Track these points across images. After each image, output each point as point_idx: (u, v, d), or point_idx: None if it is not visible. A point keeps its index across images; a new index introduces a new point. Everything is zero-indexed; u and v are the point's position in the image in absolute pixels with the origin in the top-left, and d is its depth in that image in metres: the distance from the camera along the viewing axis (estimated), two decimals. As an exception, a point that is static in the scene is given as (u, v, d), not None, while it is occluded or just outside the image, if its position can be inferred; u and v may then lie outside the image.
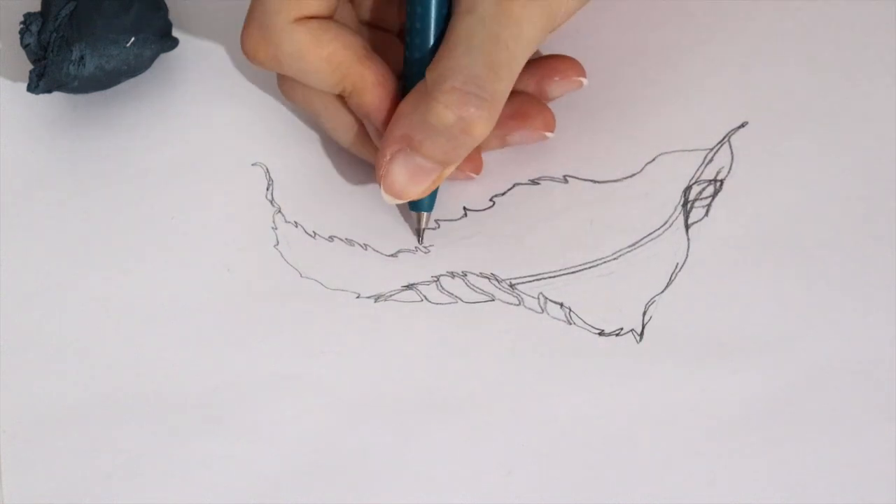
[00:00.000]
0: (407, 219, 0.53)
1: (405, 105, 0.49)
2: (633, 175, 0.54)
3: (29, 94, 0.54)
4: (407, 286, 0.52)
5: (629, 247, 0.52)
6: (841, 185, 0.53)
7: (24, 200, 0.54)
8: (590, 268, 0.52)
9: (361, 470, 0.49)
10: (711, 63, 0.55)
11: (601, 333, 0.51)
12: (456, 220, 0.53)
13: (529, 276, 0.52)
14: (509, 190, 0.54)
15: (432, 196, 0.52)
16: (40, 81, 0.53)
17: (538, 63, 0.53)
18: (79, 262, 0.53)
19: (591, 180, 0.54)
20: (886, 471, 0.48)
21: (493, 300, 0.52)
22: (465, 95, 0.47)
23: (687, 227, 0.53)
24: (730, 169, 0.54)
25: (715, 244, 0.52)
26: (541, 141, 0.53)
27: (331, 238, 0.53)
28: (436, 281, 0.52)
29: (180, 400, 0.50)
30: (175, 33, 0.55)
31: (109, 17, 0.53)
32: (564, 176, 0.54)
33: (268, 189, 0.54)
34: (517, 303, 0.52)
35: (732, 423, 0.49)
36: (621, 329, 0.51)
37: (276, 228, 0.53)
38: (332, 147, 0.54)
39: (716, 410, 0.49)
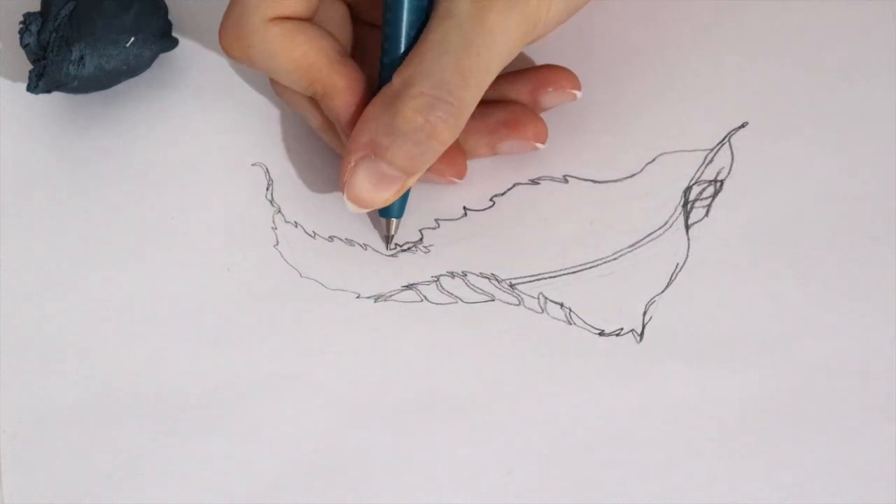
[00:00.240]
0: (377, 225, 0.53)
1: (371, 108, 0.48)
2: (634, 175, 0.54)
3: (29, 94, 0.54)
4: (407, 286, 0.52)
5: (629, 247, 0.52)
6: (840, 185, 0.53)
7: (24, 200, 0.54)
8: (590, 268, 0.52)
9: (361, 470, 0.49)
10: (711, 63, 0.55)
11: (601, 333, 0.51)
12: (456, 220, 0.53)
13: (529, 276, 0.52)
14: (509, 190, 0.54)
15: (402, 202, 0.52)
16: (40, 81, 0.53)
17: (533, 72, 0.53)
18: (79, 262, 0.53)
19: (592, 180, 0.54)
20: (886, 471, 0.48)
21: (493, 300, 0.52)
22: (432, 100, 0.47)
23: (687, 227, 0.53)
24: (730, 169, 0.54)
25: (715, 244, 0.52)
26: (531, 151, 0.53)
27: (331, 238, 0.53)
28: (436, 281, 0.52)
29: (180, 400, 0.50)
30: (175, 33, 0.55)
31: (109, 17, 0.53)
32: (564, 176, 0.54)
33: (268, 189, 0.54)
34: (517, 303, 0.52)
35: (732, 422, 0.49)
36: (621, 329, 0.51)
37: (276, 228, 0.53)
38: (332, 148, 0.54)
39: (716, 410, 0.49)
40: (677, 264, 0.52)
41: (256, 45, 0.49)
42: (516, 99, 0.53)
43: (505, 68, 0.49)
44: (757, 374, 0.50)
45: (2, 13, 0.57)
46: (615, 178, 0.54)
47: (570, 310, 0.52)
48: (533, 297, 0.52)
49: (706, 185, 0.53)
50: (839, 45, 0.55)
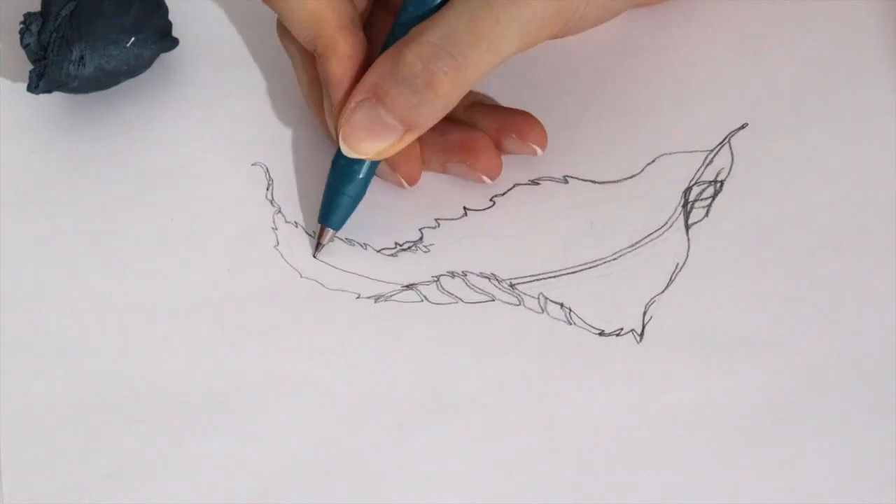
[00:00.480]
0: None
1: (383, 57, 0.49)
2: (634, 176, 0.54)
3: (29, 94, 0.54)
4: (407, 286, 0.52)
5: (629, 247, 0.52)
6: (841, 185, 0.53)
7: (24, 200, 0.54)
8: (590, 268, 0.52)
9: (361, 470, 0.49)
10: (711, 64, 0.56)
11: (601, 333, 0.51)
12: (456, 219, 0.53)
13: (529, 276, 0.52)
14: (509, 190, 0.54)
15: (343, 215, 0.52)
16: (40, 81, 0.53)
17: (505, 112, 0.53)
18: (79, 262, 0.53)
19: (592, 181, 0.54)
20: (886, 471, 0.48)
21: (493, 300, 0.52)
22: (438, 50, 0.47)
23: (687, 227, 0.53)
24: (730, 170, 0.54)
25: (715, 244, 0.52)
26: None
27: (331, 238, 0.53)
28: (436, 281, 0.52)
29: (180, 400, 0.50)
30: (175, 33, 0.55)
31: (109, 17, 0.53)
32: (565, 176, 0.54)
33: (268, 189, 0.54)
34: (517, 303, 0.52)
35: (732, 422, 0.49)
36: (621, 329, 0.51)
37: (276, 228, 0.53)
38: (332, 147, 0.54)
39: (716, 410, 0.49)
40: (677, 264, 0.52)
41: None
42: (483, 130, 0.53)
43: (516, 71, 0.49)
44: (757, 374, 0.50)
45: (2, 13, 0.57)
46: (615, 179, 0.54)
47: (570, 310, 0.52)
48: (533, 297, 0.52)
49: (706, 185, 0.53)
50: (839, 45, 0.55)
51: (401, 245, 0.53)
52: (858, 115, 0.54)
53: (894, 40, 0.55)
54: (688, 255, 0.52)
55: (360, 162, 0.51)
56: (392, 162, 0.52)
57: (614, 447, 0.49)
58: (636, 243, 0.53)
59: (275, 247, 0.53)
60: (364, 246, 0.53)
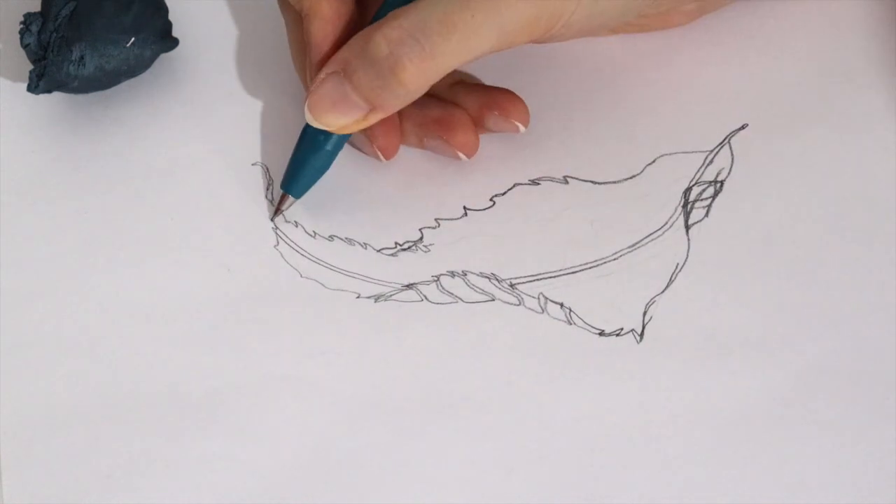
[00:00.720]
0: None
1: (360, 34, 0.49)
2: (634, 176, 0.54)
3: (29, 94, 0.54)
4: (407, 286, 0.52)
5: (629, 247, 0.52)
6: (840, 185, 0.53)
7: (24, 200, 0.54)
8: (590, 268, 0.52)
9: (361, 470, 0.49)
10: (711, 64, 0.56)
11: (601, 333, 0.51)
12: (456, 219, 0.53)
13: (529, 276, 0.52)
14: (509, 190, 0.54)
15: (306, 183, 0.52)
16: (40, 81, 0.53)
17: (487, 90, 0.53)
18: (79, 262, 0.53)
19: (592, 181, 0.54)
20: (886, 471, 0.48)
21: (493, 300, 0.52)
22: (406, 36, 0.47)
23: (687, 227, 0.53)
24: (730, 170, 0.54)
25: (715, 244, 0.52)
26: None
27: (331, 238, 0.53)
28: (436, 281, 0.52)
29: (180, 400, 0.50)
30: (175, 33, 0.55)
31: (109, 17, 0.53)
32: (565, 177, 0.54)
33: (268, 189, 0.54)
34: (517, 303, 0.52)
35: (732, 423, 0.49)
36: (621, 329, 0.51)
37: (276, 228, 0.53)
38: (296, 73, 0.54)
39: (716, 410, 0.49)
40: (677, 264, 0.52)
41: None
42: (465, 108, 0.53)
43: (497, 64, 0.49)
44: (757, 374, 0.50)
45: (2, 13, 0.57)
46: (615, 179, 0.54)
47: (570, 310, 0.52)
48: (533, 297, 0.52)
49: (706, 185, 0.53)
50: (839, 45, 0.55)
51: (401, 245, 0.53)
52: (858, 115, 0.54)
53: (894, 40, 0.55)
54: (688, 256, 0.52)
55: (327, 133, 0.51)
56: (370, 133, 0.52)
57: (614, 447, 0.49)
58: (636, 243, 0.53)
59: (275, 247, 0.53)
60: (364, 246, 0.53)
